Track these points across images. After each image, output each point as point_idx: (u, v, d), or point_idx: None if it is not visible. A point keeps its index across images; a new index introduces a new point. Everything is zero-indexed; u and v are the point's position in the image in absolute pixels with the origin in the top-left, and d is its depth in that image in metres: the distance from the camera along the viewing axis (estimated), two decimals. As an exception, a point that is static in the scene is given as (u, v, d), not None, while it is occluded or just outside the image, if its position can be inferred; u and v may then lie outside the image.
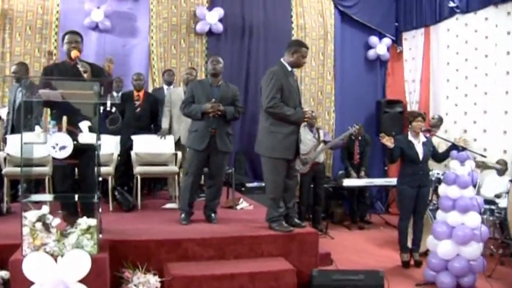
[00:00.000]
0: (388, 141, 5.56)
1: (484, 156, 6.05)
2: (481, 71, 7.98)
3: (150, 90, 7.74)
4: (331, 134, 8.37)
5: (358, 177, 8.10)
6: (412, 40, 9.59)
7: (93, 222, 3.86)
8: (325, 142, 7.51)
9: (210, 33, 8.45)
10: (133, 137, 6.47)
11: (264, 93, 4.87)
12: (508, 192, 5.72)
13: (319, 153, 7.41)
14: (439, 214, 5.24)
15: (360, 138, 8.22)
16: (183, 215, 5.25)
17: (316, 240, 4.98)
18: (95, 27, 7.79)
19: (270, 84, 4.83)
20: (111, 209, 5.87)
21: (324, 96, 9.22)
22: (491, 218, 6.20)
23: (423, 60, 9.20)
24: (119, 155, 6.33)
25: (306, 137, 7.23)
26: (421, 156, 5.70)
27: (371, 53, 9.58)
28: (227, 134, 5.36)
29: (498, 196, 6.32)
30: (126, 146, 6.45)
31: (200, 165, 5.31)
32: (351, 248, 6.69)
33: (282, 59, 5.03)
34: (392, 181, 7.14)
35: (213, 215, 5.37)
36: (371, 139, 8.43)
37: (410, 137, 5.76)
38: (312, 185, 7.51)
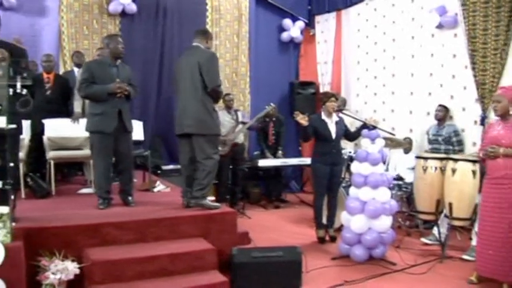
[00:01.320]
0: (303, 120, 5.69)
1: (393, 134, 6.35)
2: (389, 54, 8.37)
3: (61, 72, 7.46)
4: (247, 116, 8.45)
5: (275, 157, 8.25)
6: (325, 23, 9.83)
7: (5, 210, 3.70)
8: (243, 123, 7.59)
9: (123, 13, 8.23)
10: (44, 121, 6.21)
11: (212, 74, 5.01)
12: (413, 168, 6.03)
13: (238, 134, 7.49)
14: (352, 190, 5.48)
15: (274, 119, 8.36)
16: (100, 200, 5.14)
17: (234, 220, 5.06)
18: (-1, 5, 7.40)
19: (216, 66, 5.05)
20: (23, 196, 5.65)
21: (239, 78, 9.28)
22: (399, 193, 6.56)
23: (335, 43, 9.46)
24: (30, 140, 6.08)
25: (225, 118, 7.30)
26: (333, 135, 5.90)
27: (285, 36, 9.71)
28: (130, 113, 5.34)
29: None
30: (37, 131, 6.18)
31: (110, 147, 5.13)
32: (268, 226, 6.83)
33: (201, 43, 5.16)
34: (307, 160, 7.35)
35: (129, 198, 5.30)
36: (285, 120, 8.59)
37: (323, 117, 5.94)
38: (231, 166, 7.58)
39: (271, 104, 7.59)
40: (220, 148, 7.00)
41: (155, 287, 4.05)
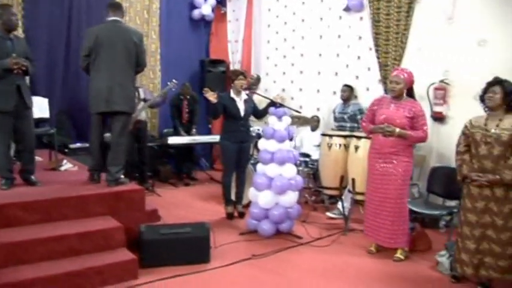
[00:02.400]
0: (212, 96, 5.70)
1: (299, 112, 6.51)
2: (298, 34, 8.52)
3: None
4: (157, 93, 8.32)
5: (189, 135, 8.22)
6: (236, 2, 9.81)
7: None
8: (145, 100, 7.44)
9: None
10: None
11: (144, 54, 5.22)
12: (319, 145, 6.21)
13: (141, 111, 7.33)
14: (259, 167, 5.58)
15: (188, 96, 8.32)
16: (3, 181, 4.87)
17: (142, 197, 5.04)
18: None
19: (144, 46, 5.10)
20: None
21: (149, 55, 9.04)
22: (305, 169, 6.74)
23: (246, 21, 9.48)
24: None
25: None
26: (242, 113, 5.97)
27: (196, 13, 9.60)
28: (29, 89, 5.09)
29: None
30: None
31: (10, 126, 4.83)
32: (178, 204, 6.84)
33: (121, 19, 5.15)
34: (216, 138, 7.37)
35: (32, 177, 5.09)
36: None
37: (232, 95, 5.99)
38: (136, 144, 7.45)
39: (174, 80, 7.53)
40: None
41: (63, 267, 3.97)
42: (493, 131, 4.05)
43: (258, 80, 8.50)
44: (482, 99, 4.22)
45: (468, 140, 4.24)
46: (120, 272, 4.15)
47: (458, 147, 4.34)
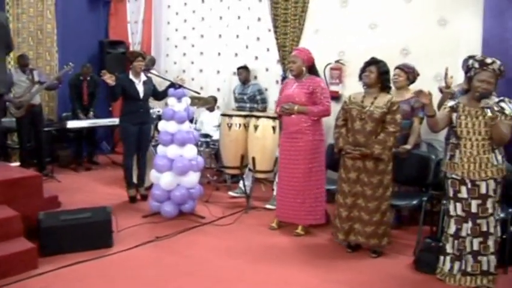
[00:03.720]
0: (110, 79, 5.58)
1: (198, 93, 6.52)
2: (198, 15, 8.49)
3: None
4: (54, 75, 7.99)
5: (87, 118, 7.98)
6: (135, -18, 9.61)
7: None
8: (40, 83, 7.11)
9: None
10: None
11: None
12: (219, 126, 6.27)
13: (34, 94, 7.00)
14: (160, 148, 5.55)
15: (88, 78, 8.04)
16: None
17: (40, 184, 4.91)
18: None
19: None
20: None
21: (45, 36, 8.67)
22: (207, 150, 6.81)
23: (146, 2, 9.29)
24: None
25: (20, 79, 6.89)
26: (141, 95, 5.90)
27: (94, -8, 9.32)
28: None
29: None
30: None
31: None
32: (79, 189, 6.66)
33: None
34: (117, 121, 7.23)
35: None
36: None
37: (131, 76, 5.89)
38: (32, 129, 7.15)
39: (70, 63, 7.26)
40: (14, 110, 6.64)
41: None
42: (367, 107, 4.35)
43: (151, 61, 8.37)
44: (360, 77, 4.52)
45: (346, 114, 4.55)
46: (19, 262, 3.99)
47: (336, 121, 4.64)
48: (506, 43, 5.42)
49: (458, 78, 5.22)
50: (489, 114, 3.69)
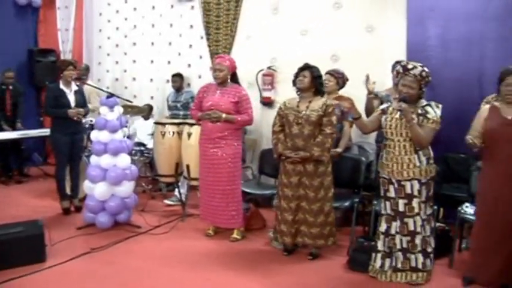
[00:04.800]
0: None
1: (131, 102, 6.48)
2: (130, 23, 8.42)
3: None
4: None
5: (14, 129, 7.69)
6: (64, -13, 9.40)
7: None
8: None
9: None
10: None
11: None
12: (153, 134, 6.25)
13: None
14: (93, 158, 5.48)
15: (11, 87, 7.75)
16: None
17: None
18: None
19: None
20: None
21: (-32, 44, 8.38)
22: (141, 159, 6.77)
23: (76, 9, 9.08)
24: None
25: None
26: (73, 104, 5.79)
27: (21, -1, 9.04)
28: None
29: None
30: None
31: None
32: (10, 203, 6.45)
33: None
34: (48, 131, 7.06)
35: None
36: (24, 89, 8.09)
37: (62, 86, 5.79)
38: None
39: None
40: None
41: None
42: (303, 112, 4.47)
43: (86, 69, 8.24)
44: (294, 82, 4.64)
45: (282, 120, 4.66)
46: None
47: (274, 127, 4.74)
48: (428, 50, 5.72)
49: (387, 82, 5.44)
50: (397, 116, 3.94)
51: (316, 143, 4.43)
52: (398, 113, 4.01)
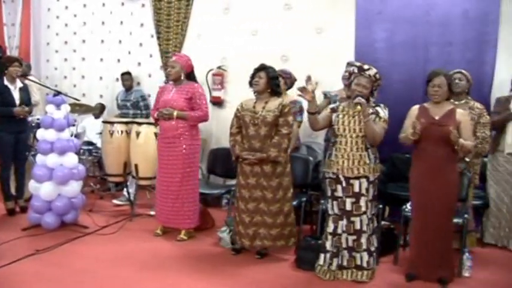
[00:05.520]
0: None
1: (78, 100, 6.39)
2: (80, 20, 8.31)
3: None
4: None
5: None
6: (12, -18, 9.15)
7: None
8: None
9: None
10: None
11: None
12: (101, 133, 6.17)
13: None
14: (39, 158, 5.36)
15: None
16: None
17: None
18: None
19: None
20: None
21: None
22: (90, 158, 6.66)
23: (23, 4, 8.89)
24: None
25: None
26: (17, 102, 5.63)
27: (-37, -7, 8.76)
28: None
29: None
30: None
31: None
32: None
33: None
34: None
35: None
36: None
37: (6, 82, 5.63)
38: None
39: None
40: None
41: None
42: (259, 113, 4.49)
43: (28, 67, 8.02)
44: (250, 84, 4.63)
45: (239, 121, 4.65)
46: None
47: (231, 129, 4.72)
48: (376, 53, 5.87)
49: (335, 83, 5.53)
50: (358, 107, 3.97)
51: (273, 143, 4.44)
52: (349, 109, 4.11)
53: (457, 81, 4.73)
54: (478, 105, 4.85)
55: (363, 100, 3.95)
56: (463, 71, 4.92)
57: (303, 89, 4.13)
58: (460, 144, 3.90)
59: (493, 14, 5.49)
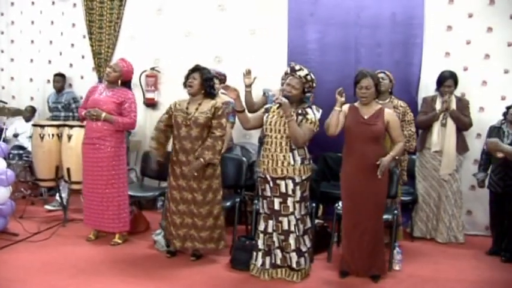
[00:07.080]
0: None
1: (5, 103, 6.21)
2: (8, 19, 7.93)
3: None
4: None
5: None
6: None
7: None
8: None
9: None
10: None
11: None
12: (31, 136, 5.99)
13: None
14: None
15: None
16: None
17: None
18: None
19: None
20: None
21: None
22: (20, 162, 6.45)
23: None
24: None
25: None
26: None
27: None
28: None
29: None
30: None
31: None
32: None
33: None
34: None
35: None
36: None
37: None
38: None
39: None
40: None
41: None
42: (192, 114, 4.48)
43: None
44: (184, 85, 4.62)
45: (170, 120, 4.63)
46: None
47: (158, 124, 4.71)
48: (308, 54, 5.98)
49: (268, 84, 5.55)
50: (277, 111, 4.10)
51: (207, 146, 4.42)
52: (278, 109, 4.17)
53: (380, 80, 4.90)
54: (401, 103, 5.08)
55: (284, 100, 4.01)
56: (386, 71, 5.14)
57: (226, 88, 4.17)
58: (392, 158, 4.11)
59: (418, 18, 5.73)
